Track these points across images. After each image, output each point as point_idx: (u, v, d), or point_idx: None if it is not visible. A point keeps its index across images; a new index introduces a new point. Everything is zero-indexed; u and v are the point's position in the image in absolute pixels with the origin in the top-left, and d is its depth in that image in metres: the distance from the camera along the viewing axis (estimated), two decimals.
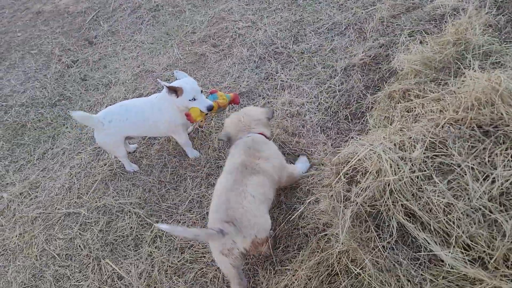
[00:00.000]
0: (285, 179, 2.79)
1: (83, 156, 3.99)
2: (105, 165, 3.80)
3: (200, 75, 4.29)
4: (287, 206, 2.92)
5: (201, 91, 3.12)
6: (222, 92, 3.41)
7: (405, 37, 3.47)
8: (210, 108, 3.09)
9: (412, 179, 1.98)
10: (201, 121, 3.33)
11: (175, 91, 3.07)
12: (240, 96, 3.89)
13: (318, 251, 2.44)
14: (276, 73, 3.97)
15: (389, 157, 2.03)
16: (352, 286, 2.19)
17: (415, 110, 2.54)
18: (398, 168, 2.00)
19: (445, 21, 3.37)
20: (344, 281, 2.20)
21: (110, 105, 4.23)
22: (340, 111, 3.39)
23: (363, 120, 3.21)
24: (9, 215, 3.74)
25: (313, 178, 2.95)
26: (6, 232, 3.58)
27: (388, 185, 1.98)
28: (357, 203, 2.02)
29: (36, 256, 3.29)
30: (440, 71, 2.78)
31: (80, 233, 3.32)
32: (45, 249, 3.32)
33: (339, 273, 2.25)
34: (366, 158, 2.10)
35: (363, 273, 2.08)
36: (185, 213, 3.20)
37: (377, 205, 2.02)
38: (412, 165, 2.00)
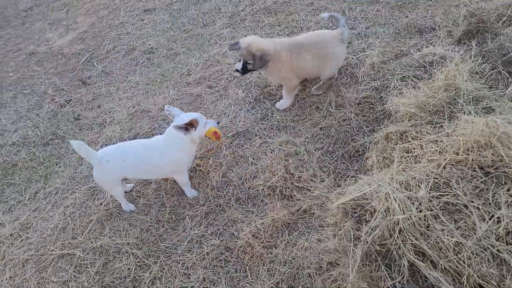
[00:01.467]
0: None
1: (78, 195, 3.93)
2: (101, 204, 3.75)
3: None
4: (289, 241, 2.93)
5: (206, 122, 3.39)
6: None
7: (397, 81, 3.64)
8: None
9: (420, 218, 2.04)
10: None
11: (191, 124, 3.18)
12: (236, 136, 3.97)
13: None
14: (272, 114, 4.07)
15: (397, 196, 2.09)
16: None
17: (414, 151, 2.64)
18: (406, 207, 2.06)
19: (434, 68, 3.56)
20: None
21: (106, 144, 4.25)
22: (337, 151, 3.48)
23: (361, 160, 3.30)
24: (2, 249, 3.61)
25: (313, 217, 2.99)
26: None
27: (397, 223, 2.03)
28: (367, 241, 2.05)
29: None
30: (434, 114, 2.92)
31: (74, 276, 3.23)
32: None
33: None
34: (373, 197, 2.16)
35: None
36: (184, 253, 3.16)
37: (387, 244, 2.06)
38: (419, 205, 2.07)
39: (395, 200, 2.08)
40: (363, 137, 3.48)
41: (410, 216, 2.02)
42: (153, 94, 4.94)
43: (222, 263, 3.02)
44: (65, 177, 4.20)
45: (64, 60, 6.18)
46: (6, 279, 3.38)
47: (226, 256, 3.06)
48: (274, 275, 2.82)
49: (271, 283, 2.78)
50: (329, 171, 3.35)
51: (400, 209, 2.04)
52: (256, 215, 3.23)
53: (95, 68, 5.80)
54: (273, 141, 3.77)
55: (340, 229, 2.21)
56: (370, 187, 2.21)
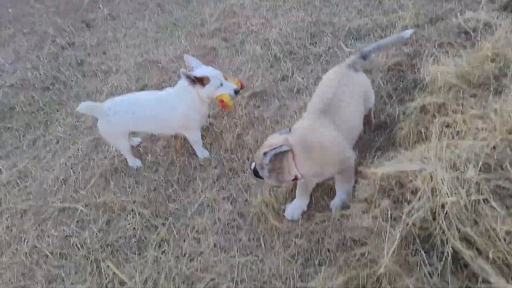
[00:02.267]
0: None
1: (80, 146, 3.70)
2: (105, 158, 3.54)
3: None
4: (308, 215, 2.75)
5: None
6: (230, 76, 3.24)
7: (434, 48, 3.35)
8: (237, 91, 2.99)
9: (468, 202, 1.84)
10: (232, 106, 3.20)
11: (201, 80, 2.87)
12: (253, 96, 3.71)
13: (346, 269, 2.28)
14: (292, 75, 3.80)
15: (444, 176, 1.88)
16: None
17: (455, 126, 2.41)
18: (454, 189, 1.86)
19: (478, 35, 3.27)
20: None
21: (112, 94, 3.98)
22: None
23: (388, 131, 3.07)
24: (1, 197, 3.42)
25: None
26: None
27: (443, 206, 1.84)
28: (407, 224, 1.86)
29: (26, 253, 3.00)
30: (478, 86, 2.67)
31: (76, 231, 3.05)
32: (36, 246, 3.03)
33: None
34: (417, 175, 1.95)
35: None
36: (194, 216, 2.98)
37: (428, 228, 1.87)
38: (469, 187, 1.86)
39: (442, 180, 1.88)
40: (390, 107, 3.23)
41: (459, 199, 1.82)
42: (163, 43, 4.62)
43: (234, 230, 2.85)
44: (67, 126, 3.95)
45: None
46: (3, 229, 3.21)
47: (239, 223, 2.88)
48: (289, 247, 2.65)
49: (286, 255, 2.61)
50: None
51: (448, 191, 1.84)
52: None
53: (100, 10, 5.43)
54: (293, 105, 3.52)
55: (376, 207, 2.01)
56: (412, 164, 2.00)
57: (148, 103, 3.10)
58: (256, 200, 2.90)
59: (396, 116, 3.10)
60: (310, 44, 4.02)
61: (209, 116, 3.51)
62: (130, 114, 3.07)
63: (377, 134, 3.12)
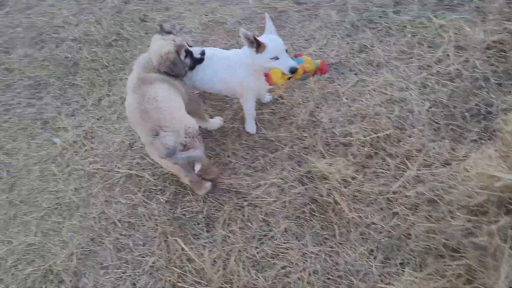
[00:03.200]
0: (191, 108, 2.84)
1: None
2: None
3: (280, 34, 3.75)
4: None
5: (286, 50, 2.68)
6: (309, 57, 2.88)
7: None
8: (293, 70, 2.65)
9: None
10: (282, 84, 2.84)
11: (257, 44, 2.64)
12: (328, 68, 3.43)
13: (438, 279, 2.11)
14: (372, 47, 3.48)
15: None
16: None
17: None
18: None
19: None
20: None
21: None
22: (454, 105, 2.94)
23: (485, 121, 2.77)
24: (62, 164, 3.43)
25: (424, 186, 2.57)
26: (60, 184, 3.30)
27: None
28: None
29: (95, 218, 3.02)
30: None
31: (144, 201, 3.02)
32: (104, 212, 3.04)
33: None
34: None
35: None
36: (262, 196, 2.86)
37: None
38: None
39: None
40: (487, 92, 2.90)
41: None
42: (229, 2, 4.34)
43: (306, 216, 2.72)
44: None
45: None
46: (71, 190, 3.22)
47: (311, 208, 2.74)
48: (367, 241, 2.50)
49: (364, 249, 2.47)
50: (441, 130, 2.85)
51: None
52: (348, 169, 2.83)
53: None
54: (372, 80, 3.24)
55: (491, 222, 1.80)
56: None
57: (212, 59, 2.96)
58: (329, 185, 2.74)
59: (496, 104, 2.77)
60: (393, 13, 3.64)
61: (278, 88, 3.28)
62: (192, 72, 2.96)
63: (469, 122, 2.82)
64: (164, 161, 2.64)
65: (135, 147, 3.37)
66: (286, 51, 2.67)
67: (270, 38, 2.70)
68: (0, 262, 2.94)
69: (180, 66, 2.76)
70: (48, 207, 3.17)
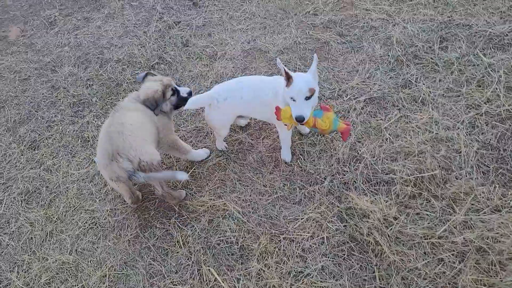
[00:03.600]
0: (167, 141, 3.10)
1: (184, 134, 3.63)
2: (214, 153, 3.43)
3: (322, 66, 3.79)
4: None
5: (306, 98, 2.55)
6: (338, 118, 2.70)
7: None
8: (298, 120, 2.56)
9: None
10: (287, 124, 2.81)
11: (287, 77, 2.58)
12: (369, 102, 3.38)
13: None
14: (416, 82, 3.41)
15: None
16: None
17: None
18: None
19: None
20: None
21: (217, 81, 3.86)
22: (505, 149, 2.82)
23: None
24: (100, 184, 3.47)
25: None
26: (96, 203, 3.33)
27: None
28: None
29: (129, 241, 3.01)
30: None
31: (178, 227, 3.00)
32: (139, 235, 3.03)
33: None
34: None
35: None
36: (297, 231, 2.79)
37: None
38: None
39: None
40: None
41: None
42: (271, 31, 4.38)
43: (344, 254, 2.63)
44: None
45: None
46: (107, 211, 3.25)
47: (351, 246, 2.65)
48: (409, 287, 2.39)
49: None
50: (491, 173, 2.73)
51: None
52: (390, 208, 2.74)
53: None
54: (416, 117, 3.16)
55: None
56: None
57: (255, 84, 2.94)
58: (370, 224, 2.64)
59: None
60: (439, 49, 3.57)
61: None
62: (238, 98, 2.92)
63: None
64: (113, 183, 2.83)
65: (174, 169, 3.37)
66: (307, 98, 2.55)
67: (302, 78, 2.57)
68: (34, 279, 2.95)
69: (162, 104, 3.02)
70: (84, 226, 3.20)
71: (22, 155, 3.88)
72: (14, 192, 3.58)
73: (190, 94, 3.13)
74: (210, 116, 3.06)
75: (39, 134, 3.96)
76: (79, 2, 5.54)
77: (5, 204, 3.51)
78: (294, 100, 2.57)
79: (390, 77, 3.52)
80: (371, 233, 2.62)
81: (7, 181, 3.69)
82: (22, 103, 4.40)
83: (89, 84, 4.43)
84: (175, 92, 3.10)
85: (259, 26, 4.49)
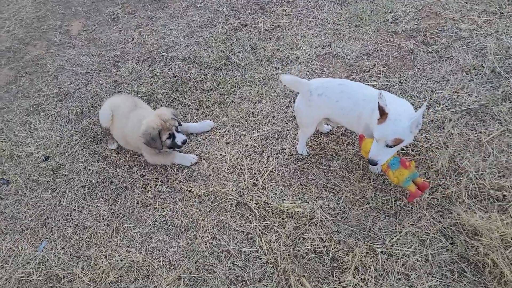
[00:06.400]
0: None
1: (256, 134, 3.43)
2: (291, 155, 3.21)
3: (408, 74, 3.56)
4: None
5: (388, 145, 2.35)
6: (417, 175, 2.48)
7: None
8: (372, 163, 2.45)
9: None
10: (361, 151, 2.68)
11: (380, 113, 2.34)
12: (465, 114, 3.12)
13: None
14: None
15: None
16: None
17: None
18: None
19: None
20: None
21: None
22: None
23: None
24: (169, 181, 3.27)
25: None
26: (167, 202, 3.12)
27: None
28: None
29: (206, 242, 2.79)
30: None
31: (261, 231, 2.76)
32: (216, 237, 2.81)
33: None
34: None
35: None
36: (395, 245, 2.52)
37: None
38: None
39: None
40: None
41: None
42: (347, 37, 4.19)
43: (454, 275, 2.35)
44: (243, 112, 3.70)
45: None
46: (179, 210, 3.04)
47: (461, 267, 2.36)
48: None
49: None
50: None
51: None
52: (509, 228, 2.44)
53: None
54: None
55: None
56: None
57: (356, 95, 2.66)
58: (483, 243, 2.36)
59: None
60: None
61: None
62: (334, 101, 2.70)
63: None
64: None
65: (246, 174, 3.15)
66: (388, 146, 2.35)
67: (395, 125, 2.30)
68: (101, 276, 2.74)
69: (157, 144, 3.17)
70: (154, 224, 2.99)
71: (84, 148, 3.73)
72: (76, 185, 3.41)
73: (184, 142, 3.24)
74: (300, 108, 2.87)
75: (101, 128, 3.80)
76: (143, 1, 5.48)
77: (67, 196, 3.34)
78: (377, 141, 2.39)
79: (487, 89, 3.27)
80: (486, 253, 2.33)
81: (69, 173, 3.53)
82: (84, 96, 4.28)
83: (153, 81, 4.29)
84: (171, 136, 3.21)
85: (332, 32, 4.31)
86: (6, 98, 4.36)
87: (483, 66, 3.43)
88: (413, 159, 2.94)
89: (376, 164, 2.45)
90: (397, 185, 2.72)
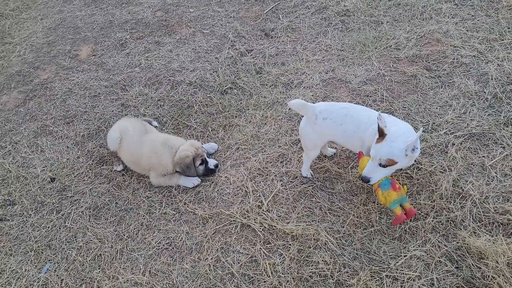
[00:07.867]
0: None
1: (260, 157, 3.46)
2: (295, 178, 3.23)
3: (411, 99, 3.61)
4: None
5: (381, 164, 2.41)
6: (406, 200, 2.52)
7: None
8: (364, 179, 2.49)
9: None
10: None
11: (381, 134, 2.39)
12: (468, 138, 3.15)
13: None
14: None
15: None
16: None
17: None
18: None
19: None
20: None
21: None
22: None
23: None
24: (174, 203, 3.28)
25: None
26: (171, 224, 3.13)
27: None
28: None
29: (210, 265, 2.78)
30: None
31: (265, 254, 2.76)
32: (220, 260, 2.80)
33: None
34: None
35: None
36: (400, 269, 2.51)
37: None
38: None
39: None
40: None
41: None
42: (351, 63, 4.27)
43: None
44: (248, 135, 3.75)
45: (247, 6, 5.74)
46: (183, 232, 3.04)
47: None
48: None
49: None
50: None
51: None
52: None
53: (280, 21, 5.28)
54: None
55: None
56: None
57: (359, 116, 2.70)
58: (489, 267, 2.34)
59: None
60: None
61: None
62: (338, 124, 2.73)
63: None
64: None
65: (251, 196, 3.16)
66: (381, 165, 2.41)
67: (391, 146, 2.35)
68: None
69: (191, 171, 3.35)
70: (158, 246, 2.99)
71: (90, 169, 3.76)
72: (82, 206, 3.44)
73: (216, 166, 3.44)
74: (304, 131, 2.90)
75: (107, 150, 3.85)
76: (150, 27, 5.62)
77: (72, 218, 3.35)
78: (372, 160, 2.44)
79: (489, 114, 3.31)
80: (493, 277, 2.31)
81: (75, 194, 3.55)
82: (91, 119, 4.35)
83: (160, 105, 4.36)
84: (204, 161, 3.38)
85: (336, 57, 4.40)
86: (15, 120, 4.43)
87: (484, 92, 3.48)
88: (417, 183, 2.95)
89: (368, 182, 2.48)
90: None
